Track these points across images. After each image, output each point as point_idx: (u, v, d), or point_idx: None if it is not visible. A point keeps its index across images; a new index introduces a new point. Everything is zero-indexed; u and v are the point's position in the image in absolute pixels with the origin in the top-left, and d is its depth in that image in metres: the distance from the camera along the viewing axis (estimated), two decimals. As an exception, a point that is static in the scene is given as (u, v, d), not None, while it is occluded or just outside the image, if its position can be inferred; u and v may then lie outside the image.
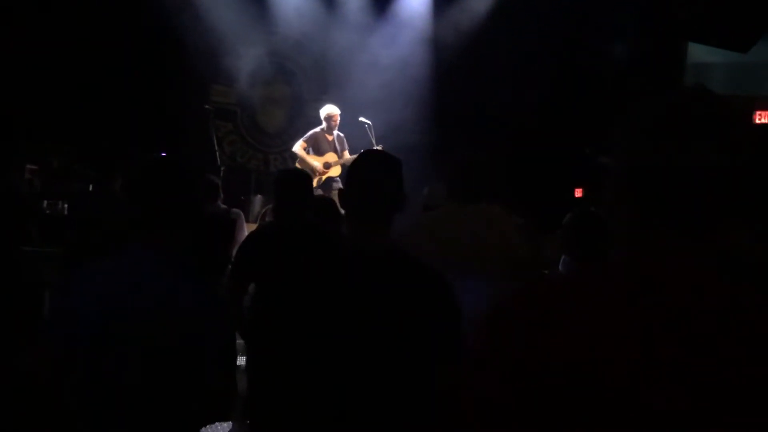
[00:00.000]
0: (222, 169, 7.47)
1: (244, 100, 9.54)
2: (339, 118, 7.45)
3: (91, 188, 6.13)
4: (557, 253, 3.19)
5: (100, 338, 1.70)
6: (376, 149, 5.83)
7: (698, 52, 7.71)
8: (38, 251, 5.02)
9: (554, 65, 8.36)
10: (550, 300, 0.96)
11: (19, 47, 7.61)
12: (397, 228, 2.01)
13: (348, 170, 1.99)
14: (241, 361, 4.16)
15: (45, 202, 6.58)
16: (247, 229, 5.32)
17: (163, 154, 5.59)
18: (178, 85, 8.40)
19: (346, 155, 7.41)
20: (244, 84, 9.40)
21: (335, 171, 7.41)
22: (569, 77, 8.45)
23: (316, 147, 7.43)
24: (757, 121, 6.70)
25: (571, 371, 0.89)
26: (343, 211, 2.52)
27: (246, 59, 9.27)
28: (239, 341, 3.47)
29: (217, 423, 3.51)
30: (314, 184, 7.26)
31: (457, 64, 9.00)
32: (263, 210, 7.59)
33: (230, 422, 3.87)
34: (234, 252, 3.65)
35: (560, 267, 3.14)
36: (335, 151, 7.44)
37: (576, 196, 8.43)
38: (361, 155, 2.05)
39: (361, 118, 7.54)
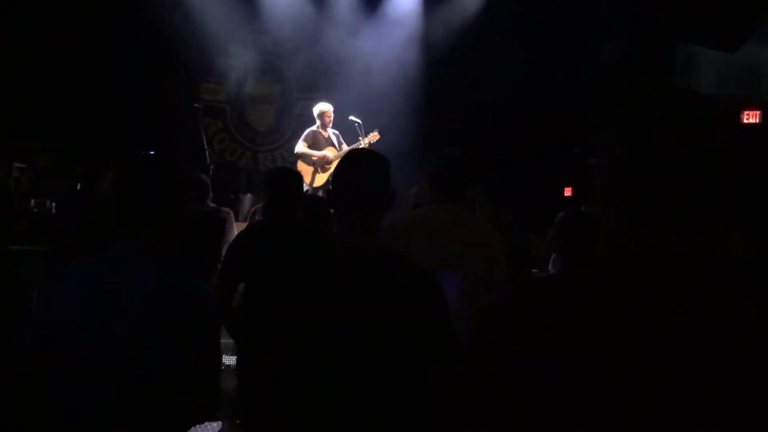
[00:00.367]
0: (211, 167, 7.44)
1: (233, 98, 9.52)
2: (332, 114, 7.52)
3: (79, 187, 6.09)
4: (547, 251, 3.20)
5: (82, 338, 1.69)
6: (363, 148, 5.83)
7: (687, 52, 7.76)
8: (26, 250, 4.99)
9: (544, 65, 8.38)
10: (542, 299, 0.96)
11: (7, 45, 7.55)
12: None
13: (335, 169, 2.00)
14: (230, 360, 4.15)
15: (33, 201, 6.54)
16: (236, 228, 5.30)
17: (152, 152, 5.54)
18: (168, 83, 8.36)
19: (345, 149, 7.44)
20: (233, 82, 9.36)
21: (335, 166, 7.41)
22: (559, 77, 8.48)
23: (315, 145, 7.49)
24: (745, 121, 6.74)
25: (563, 371, 0.89)
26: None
27: (236, 57, 9.24)
28: (228, 340, 3.45)
29: (206, 423, 3.50)
30: (324, 177, 7.39)
31: (447, 63, 9.02)
32: (253, 209, 7.57)
33: (220, 422, 3.86)
34: (224, 251, 3.64)
35: (550, 266, 3.16)
36: (333, 146, 7.51)
37: (565, 195, 8.47)
38: (347, 154, 2.07)
39: (351, 117, 7.55)
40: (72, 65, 7.74)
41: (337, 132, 7.60)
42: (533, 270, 4.56)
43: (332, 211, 2.24)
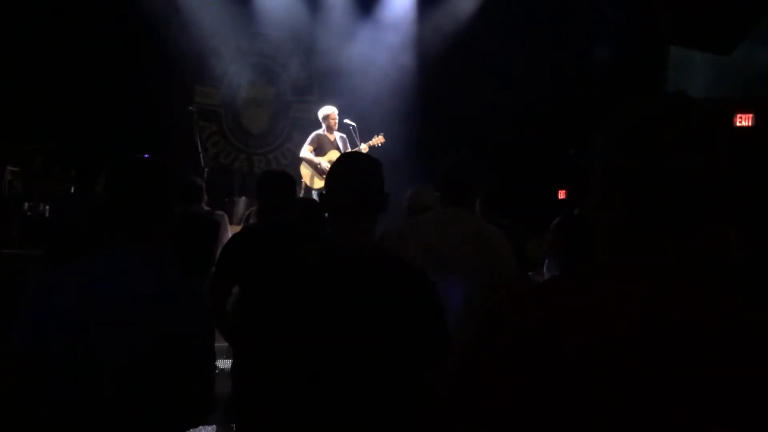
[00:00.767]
0: (206, 170, 7.44)
1: (228, 101, 9.51)
2: (337, 117, 7.48)
3: (73, 190, 6.07)
4: (542, 255, 3.20)
5: (77, 340, 1.69)
6: (356, 151, 5.81)
7: (681, 54, 7.78)
8: (20, 253, 4.98)
9: (538, 68, 8.41)
10: (543, 302, 0.97)
11: (1, 47, 7.53)
12: (380, 229, 2.01)
13: (328, 173, 2.01)
14: (224, 364, 4.14)
15: (26, 204, 6.51)
16: (231, 231, 5.29)
17: (146, 155, 5.54)
18: (162, 86, 8.36)
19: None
20: (228, 85, 9.35)
21: None
22: (553, 79, 8.51)
23: (320, 148, 7.44)
24: (738, 124, 6.76)
25: (564, 371, 0.89)
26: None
27: (230, 61, 9.23)
28: (221, 344, 3.45)
29: (201, 427, 3.48)
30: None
31: (441, 66, 9.03)
32: (247, 212, 7.56)
33: (214, 426, 3.85)
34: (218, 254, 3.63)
35: (545, 269, 3.16)
36: (338, 150, 7.45)
37: (560, 197, 8.47)
38: (340, 157, 2.07)
39: (346, 120, 7.55)
40: (66, 68, 7.72)
41: (344, 135, 7.53)
42: (528, 273, 4.57)
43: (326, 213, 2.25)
